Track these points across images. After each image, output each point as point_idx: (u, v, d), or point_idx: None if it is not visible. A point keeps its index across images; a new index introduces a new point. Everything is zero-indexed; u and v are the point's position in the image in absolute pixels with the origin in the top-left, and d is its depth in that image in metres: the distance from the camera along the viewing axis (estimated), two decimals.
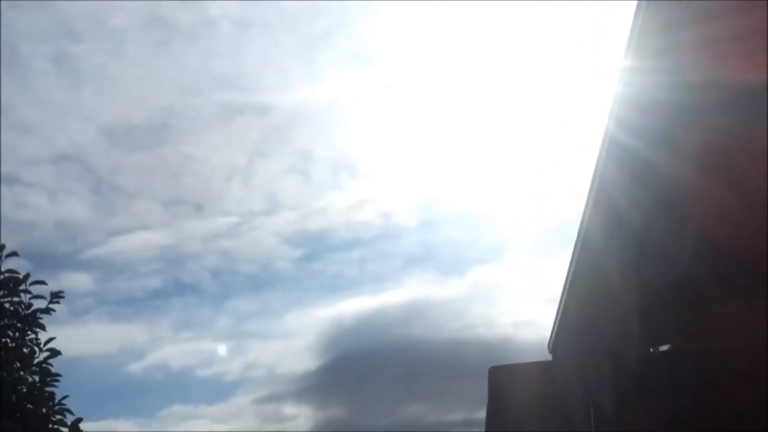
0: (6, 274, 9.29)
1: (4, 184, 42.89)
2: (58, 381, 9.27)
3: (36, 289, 9.42)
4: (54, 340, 9.34)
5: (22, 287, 9.31)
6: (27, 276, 9.36)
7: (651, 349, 9.86)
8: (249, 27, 51.96)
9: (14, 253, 9.48)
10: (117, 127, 52.60)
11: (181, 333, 68.02)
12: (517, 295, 62.89)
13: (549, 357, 13.06)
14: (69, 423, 9.17)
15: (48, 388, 9.22)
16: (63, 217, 56.75)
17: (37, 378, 9.19)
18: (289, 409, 61.16)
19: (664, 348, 9.61)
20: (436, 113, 60.02)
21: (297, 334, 67.78)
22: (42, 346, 9.30)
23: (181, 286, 67.57)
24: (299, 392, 61.22)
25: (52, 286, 9.53)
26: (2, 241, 9.48)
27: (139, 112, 54.61)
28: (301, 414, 61.65)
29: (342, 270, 66.37)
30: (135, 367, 63.37)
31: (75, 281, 51.88)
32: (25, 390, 9.10)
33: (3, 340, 9.19)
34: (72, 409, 9.28)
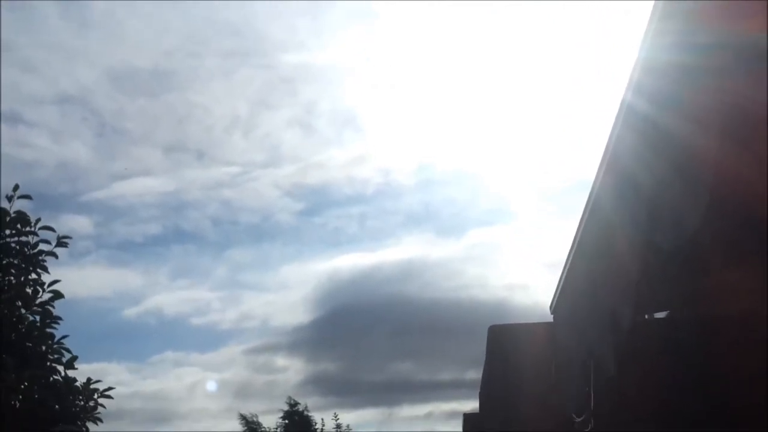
0: (14, 215, 9.33)
1: (6, 122, 42.73)
2: (58, 323, 9.34)
3: (42, 233, 9.46)
4: (58, 284, 9.40)
5: (29, 228, 9.35)
6: (38, 220, 9.40)
7: (651, 315, 9.88)
8: None
9: (27, 196, 9.50)
10: (122, 72, 52.12)
11: (178, 281, 68.30)
12: (514, 259, 63.05)
13: (548, 319, 13.12)
14: (65, 361, 9.27)
15: (48, 329, 9.29)
16: (65, 158, 56.56)
17: (37, 318, 9.26)
18: (281, 360, 61.65)
19: (663, 314, 9.63)
20: (441, 73, 59.71)
21: (292, 287, 68.11)
22: (45, 287, 9.36)
23: (180, 234, 67.64)
24: (291, 345, 61.65)
25: (57, 231, 9.58)
26: (3, 180, 9.49)
27: (144, 58, 54.16)
28: (291, 366, 62.15)
29: (342, 225, 66.43)
30: (130, 312, 63.65)
31: (75, 223, 51.83)
32: (24, 329, 9.17)
33: (6, 278, 9.24)
34: (70, 349, 9.38)
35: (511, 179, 61.67)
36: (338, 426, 38.32)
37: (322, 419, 38.68)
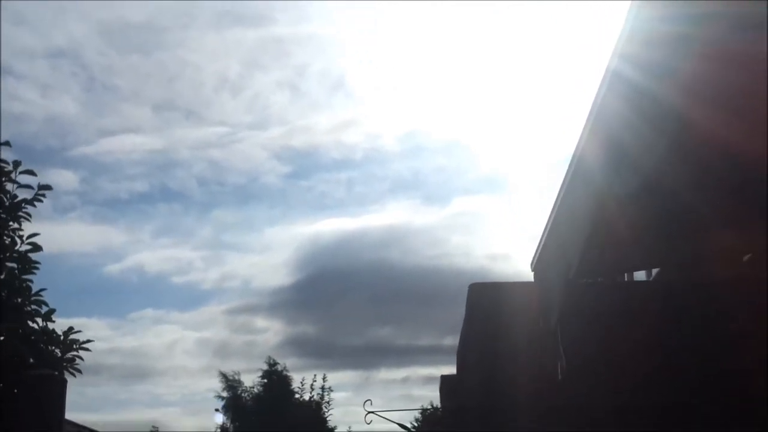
0: None
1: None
2: (37, 269, 9.27)
3: (23, 179, 9.35)
4: (37, 237, 9.32)
5: (12, 176, 9.23)
6: (18, 163, 9.27)
7: (630, 275, 9.94)
8: None
9: (6, 143, 9.38)
10: (114, 26, 51.66)
11: (161, 239, 68.30)
12: (498, 229, 63.23)
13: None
14: (42, 313, 9.24)
15: (26, 276, 9.23)
16: (53, 112, 56.11)
17: (14, 265, 9.18)
18: (261, 321, 61.88)
19: (642, 273, 9.70)
20: (433, 41, 59.40)
21: (275, 249, 68.21)
22: (24, 238, 9.28)
23: (166, 192, 67.55)
24: (272, 306, 61.92)
25: (39, 181, 9.47)
26: None
27: (137, 13, 53.55)
28: (271, 328, 62.42)
29: (329, 189, 66.42)
30: (112, 269, 63.70)
31: (61, 178, 51.54)
32: (2, 278, 9.11)
33: None
34: (47, 302, 9.34)
35: (500, 150, 61.69)
36: (324, 387, 38.34)
37: (303, 378, 38.77)
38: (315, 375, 39.25)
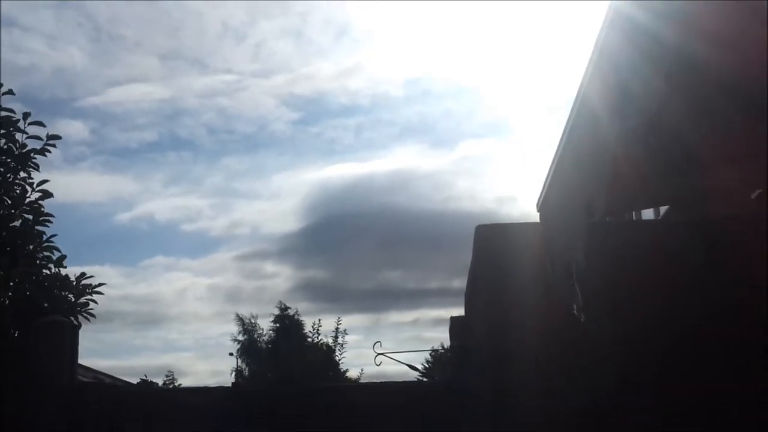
0: (2, 113, 9.24)
1: (1, 26, 41.72)
2: (50, 221, 9.38)
3: (32, 131, 9.40)
4: (47, 184, 9.39)
5: (21, 126, 9.28)
6: (28, 114, 9.32)
7: (638, 213, 9.95)
8: None
9: (10, 92, 9.40)
10: None
11: (171, 187, 68.46)
12: (505, 172, 63.02)
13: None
14: (54, 260, 9.33)
15: (39, 227, 9.31)
16: (61, 63, 55.96)
17: (29, 217, 9.27)
18: (270, 267, 62.20)
19: (650, 211, 9.70)
20: None
21: (284, 196, 68.31)
22: (34, 186, 9.35)
23: (175, 141, 67.54)
24: (281, 252, 62.18)
25: (49, 131, 9.51)
26: None
27: None
28: (281, 273, 62.78)
29: (338, 136, 66.20)
30: (122, 218, 64.13)
31: (71, 128, 51.59)
32: (16, 226, 9.20)
33: None
34: (59, 248, 9.43)
35: (506, 94, 61.16)
36: (337, 330, 38.51)
37: (319, 320, 38.91)
38: (320, 319, 39.45)
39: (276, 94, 64.23)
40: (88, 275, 9.45)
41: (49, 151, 9.43)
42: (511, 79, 60.77)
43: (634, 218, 10.00)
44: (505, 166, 64.27)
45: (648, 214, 10.21)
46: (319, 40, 61.30)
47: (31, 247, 9.23)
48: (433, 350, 36.31)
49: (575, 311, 8.07)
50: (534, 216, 11.65)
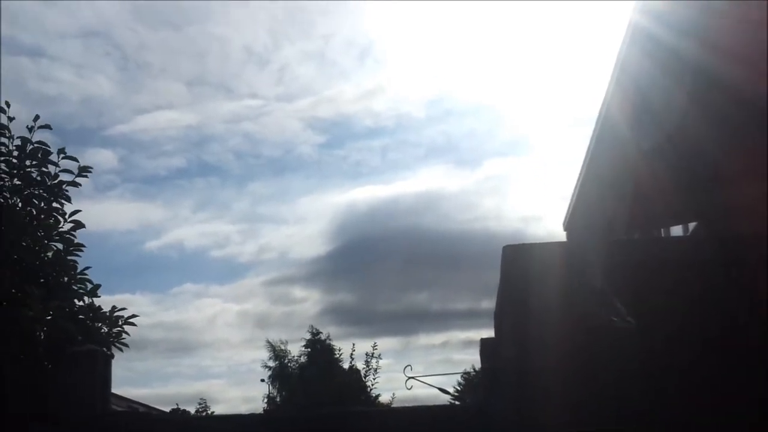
0: (36, 145, 9.42)
1: (29, 56, 42.51)
2: (81, 251, 9.50)
3: (64, 164, 9.57)
4: (78, 214, 9.53)
5: (52, 158, 9.45)
6: (62, 149, 9.50)
7: (666, 230, 9.92)
8: None
9: (47, 126, 9.58)
10: (144, 4, 51.74)
11: (199, 213, 68.91)
12: (530, 190, 62.77)
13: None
14: (88, 290, 9.43)
15: (71, 257, 9.43)
16: (89, 92, 56.68)
17: (61, 246, 9.40)
18: (299, 292, 62.34)
19: (679, 227, 9.65)
20: (452, 7, 58.70)
21: (310, 220, 68.55)
22: (67, 217, 9.48)
23: (203, 167, 68.00)
24: (309, 276, 62.24)
25: (78, 161, 9.67)
26: (29, 115, 9.57)
27: None
28: (310, 297, 62.71)
29: (364, 158, 66.36)
30: (152, 245, 64.54)
31: (100, 157, 52.17)
32: (49, 258, 9.32)
33: (28, 208, 9.37)
34: (92, 280, 9.54)
35: (529, 111, 61.02)
36: (371, 354, 38.31)
37: (354, 344, 38.72)
38: (354, 344, 39.37)
39: (301, 117, 64.73)
40: (120, 307, 9.56)
41: (80, 184, 9.60)
42: (532, 96, 60.75)
43: (662, 235, 9.98)
44: (529, 184, 64.17)
45: (677, 231, 10.18)
46: (341, 62, 61.73)
47: (65, 278, 9.35)
48: (464, 373, 36.08)
49: (615, 319, 8.04)
50: (561, 235, 11.68)
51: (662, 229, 9.97)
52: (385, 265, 54.36)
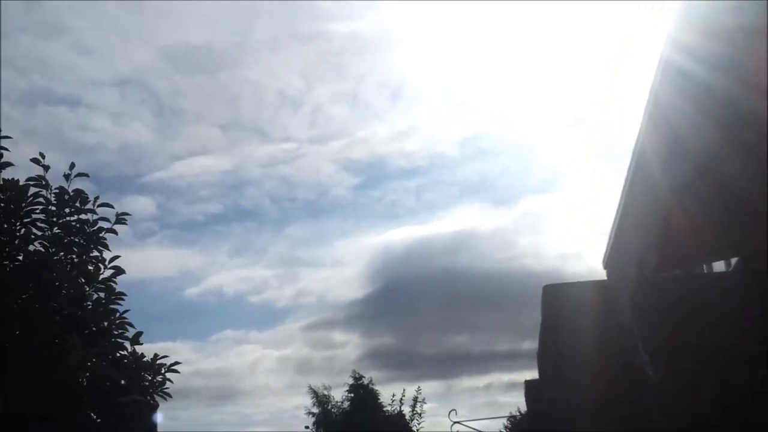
0: (73, 193, 9.58)
1: (67, 105, 43.57)
2: (122, 299, 9.55)
3: (102, 212, 9.71)
4: (118, 260, 9.63)
5: (89, 207, 9.59)
6: (97, 198, 9.65)
7: (708, 266, 9.80)
8: None
9: (84, 174, 9.75)
10: (177, 51, 52.82)
11: (237, 259, 69.11)
12: (566, 227, 62.21)
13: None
14: (130, 337, 9.49)
15: (113, 305, 9.50)
16: (126, 140, 57.52)
17: (102, 295, 9.48)
18: (338, 336, 61.97)
19: (721, 263, 9.53)
20: (481, 46, 59.01)
21: (347, 262, 68.41)
22: (106, 263, 9.59)
23: (240, 211, 68.42)
24: (348, 319, 61.91)
25: (117, 209, 9.81)
26: (66, 164, 9.75)
27: (197, 36, 54.72)
28: (349, 341, 62.35)
29: (399, 198, 66.43)
30: (191, 292, 64.76)
31: (138, 204, 52.77)
32: (90, 306, 9.41)
33: (68, 256, 9.49)
34: (133, 324, 9.59)
35: (564, 146, 60.71)
36: (416, 398, 37.92)
37: (404, 390, 38.33)
38: (404, 390, 39.09)
39: (335, 159, 65.02)
40: (162, 355, 9.61)
41: (116, 232, 9.73)
42: (567, 131, 60.47)
43: (704, 271, 9.86)
44: (566, 220, 63.61)
45: (720, 266, 10.06)
46: (374, 103, 62.17)
47: (105, 324, 9.42)
48: (510, 416, 35.67)
49: (642, 368, 7.96)
50: (600, 272, 11.61)
51: (704, 266, 9.86)
52: (423, 307, 54.13)
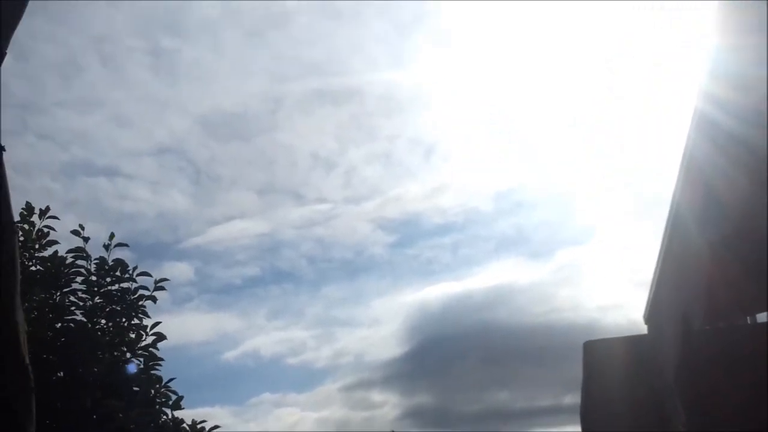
0: (113, 263, 9.75)
1: (106, 176, 44.62)
2: (160, 365, 9.64)
3: (141, 280, 9.86)
4: (159, 326, 9.74)
5: (128, 275, 9.74)
6: (135, 267, 9.81)
7: (753, 318, 9.66)
8: (340, 15, 52.23)
9: (124, 244, 9.94)
10: (213, 118, 53.63)
11: (274, 321, 69.23)
12: (604, 278, 61.55)
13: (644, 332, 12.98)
14: (171, 403, 9.53)
15: (154, 372, 9.58)
16: (164, 208, 58.28)
17: (142, 360, 9.57)
18: (377, 396, 61.56)
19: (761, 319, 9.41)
20: (514, 98, 59.42)
21: (384, 321, 68.17)
22: (148, 330, 9.70)
23: (277, 274, 68.62)
24: (386, 379, 61.48)
25: (156, 275, 9.95)
26: (106, 233, 9.94)
27: (232, 102, 55.63)
28: (388, 401, 61.81)
29: (435, 255, 66.37)
30: (229, 355, 64.67)
31: (176, 270, 53.31)
32: (132, 373, 9.49)
33: (109, 324, 9.62)
34: (176, 392, 9.64)
35: (600, 197, 60.48)
36: None
37: None
38: None
39: (370, 218, 65.23)
40: (202, 420, 9.64)
41: (156, 299, 9.85)
42: (602, 182, 60.15)
43: (748, 322, 9.72)
44: (604, 271, 62.96)
45: (763, 317, 9.91)
46: (407, 162, 62.44)
47: (152, 392, 9.48)
48: None
49: (679, 426, 7.85)
50: (640, 322, 11.48)
51: (747, 317, 9.73)
52: (462, 363, 53.69)
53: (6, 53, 5.04)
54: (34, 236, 9.66)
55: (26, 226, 9.57)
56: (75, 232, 9.68)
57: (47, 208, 9.72)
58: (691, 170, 6.72)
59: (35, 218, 9.69)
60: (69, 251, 9.60)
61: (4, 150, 5.24)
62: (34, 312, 9.03)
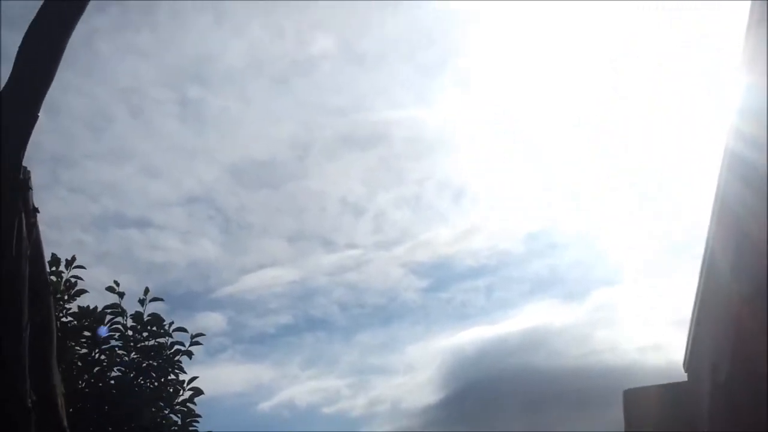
0: (149, 318, 9.80)
1: (137, 227, 45.33)
2: (197, 421, 9.64)
3: (177, 334, 9.89)
4: (197, 381, 9.75)
5: (164, 330, 9.78)
6: (171, 323, 9.86)
7: None
8: (363, 60, 52.88)
9: (159, 299, 10.00)
10: (242, 166, 54.17)
11: (308, 370, 68.95)
12: (641, 318, 60.50)
13: (683, 378, 12.67)
14: None
15: (190, 429, 9.58)
16: (195, 257, 58.70)
17: (180, 417, 9.57)
18: None
19: None
20: (541, 139, 59.43)
21: (419, 367, 67.54)
22: (185, 385, 9.72)
23: (310, 321, 68.52)
24: (423, 426, 60.67)
25: (189, 326, 9.98)
26: (138, 284, 10.02)
27: (261, 151, 56.32)
28: None
29: (469, 299, 65.93)
30: (264, 406, 64.43)
31: (209, 320, 53.56)
32: (170, 430, 9.50)
33: (146, 380, 9.65)
34: None
35: (634, 236, 59.81)
36: None
37: None
38: None
39: (401, 263, 64.99)
40: None
41: (192, 354, 9.87)
42: (636, 221, 59.52)
43: None
44: (642, 311, 61.96)
45: None
46: (436, 205, 62.36)
47: None
48: None
49: None
50: (679, 363, 11.27)
51: None
52: (499, 408, 52.90)
53: (38, 116, 5.17)
54: (62, 287, 9.66)
55: (53, 278, 9.47)
56: (110, 289, 9.73)
57: (73, 258, 9.70)
58: (723, 212, 6.65)
59: (61, 267, 9.63)
60: (106, 307, 9.64)
61: (38, 212, 5.36)
62: (73, 369, 9.10)
